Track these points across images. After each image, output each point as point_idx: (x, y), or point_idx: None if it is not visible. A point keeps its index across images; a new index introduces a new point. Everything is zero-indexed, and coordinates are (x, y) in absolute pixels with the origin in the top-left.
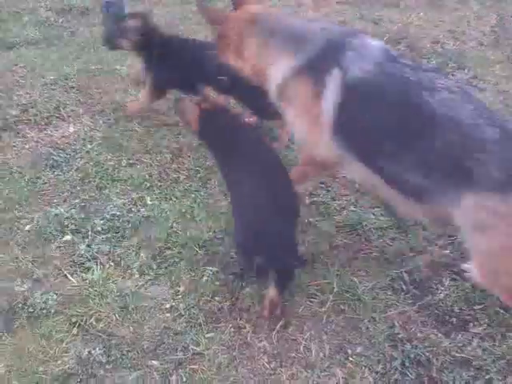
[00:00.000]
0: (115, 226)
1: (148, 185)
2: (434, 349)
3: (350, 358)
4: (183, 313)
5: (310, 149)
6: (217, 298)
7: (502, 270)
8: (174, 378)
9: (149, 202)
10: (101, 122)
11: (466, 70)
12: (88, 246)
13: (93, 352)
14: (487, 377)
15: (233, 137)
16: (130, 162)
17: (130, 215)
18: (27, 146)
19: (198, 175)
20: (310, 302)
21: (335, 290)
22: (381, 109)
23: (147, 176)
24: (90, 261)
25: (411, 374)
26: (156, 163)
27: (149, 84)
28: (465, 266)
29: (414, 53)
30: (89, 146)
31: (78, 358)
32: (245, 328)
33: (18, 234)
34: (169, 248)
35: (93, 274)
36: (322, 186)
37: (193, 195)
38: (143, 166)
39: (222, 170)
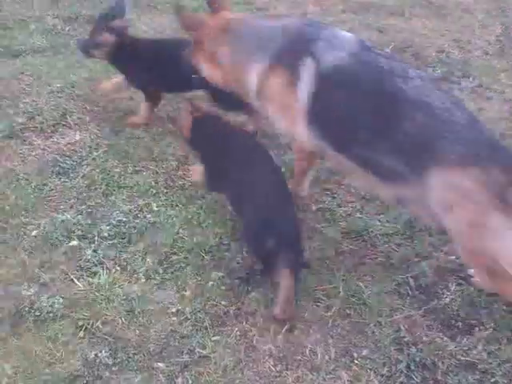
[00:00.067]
0: (121, 231)
1: (154, 191)
2: (440, 352)
3: (356, 361)
4: (189, 316)
5: (295, 140)
6: (223, 302)
7: (472, 247)
8: (179, 380)
9: (155, 208)
10: (107, 129)
11: (471, 79)
12: (94, 251)
13: (99, 354)
14: (492, 380)
15: (224, 144)
16: (136, 168)
17: (136, 221)
18: (34, 154)
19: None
20: (316, 306)
21: (341, 294)
22: (355, 96)
23: (153, 183)
24: (96, 265)
25: (416, 377)
26: (162, 170)
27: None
28: (470, 270)
29: (419, 61)
30: (95, 153)
31: (85, 360)
32: (250, 331)
33: (25, 240)
34: (175, 253)
35: (99, 279)
36: (328, 192)
37: (199, 201)
38: (149, 173)
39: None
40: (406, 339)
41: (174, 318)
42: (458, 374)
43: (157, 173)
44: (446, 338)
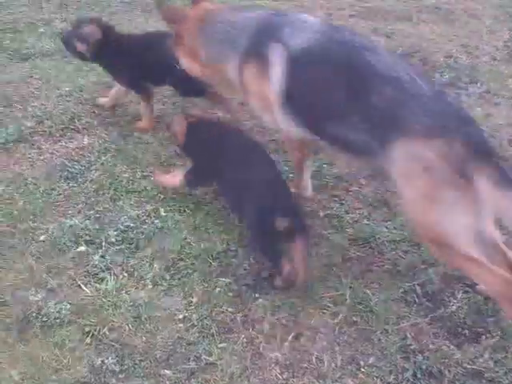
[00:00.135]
0: (129, 237)
1: (162, 197)
2: (446, 360)
3: (362, 369)
4: (196, 323)
5: (281, 131)
6: (229, 309)
7: (424, 220)
8: None
9: (163, 214)
10: (115, 133)
11: (479, 85)
12: (102, 256)
13: (106, 361)
14: None
15: (219, 147)
16: (144, 174)
17: (143, 227)
18: (42, 158)
19: (212, 188)
20: (323, 313)
21: (348, 301)
22: (325, 74)
23: (161, 188)
24: (103, 271)
25: None
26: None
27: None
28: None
29: (426, 67)
30: (103, 158)
31: (91, 366)
32: (257, 338)
33: (33, 245)
34: (182, 259)
35: (106, 285)
36: (336, 199)
37: (206, 207)
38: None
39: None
40: (412, 347)
41: (181, 325)
42: (464, 382)
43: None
44: (452, 346)
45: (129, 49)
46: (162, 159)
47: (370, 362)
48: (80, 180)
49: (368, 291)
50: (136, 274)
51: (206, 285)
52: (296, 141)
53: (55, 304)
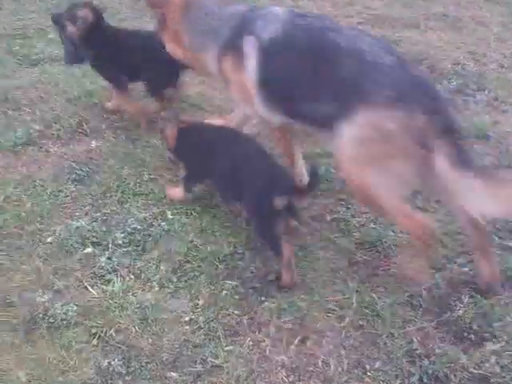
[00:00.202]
0: (136, 239)
1: (169, 200)
2: (452, 365)
3: (368, 373)
4: (202, 326)
5: (256, 118)
6: (236, 312)
7: (363, 182)
8: None
9: (170, 217)
10: (123, 137)
11: (486, 92)
12: (109, 258)
13: (112, 363)
14: None
15: (210, 149)
16: (152, 176)
17: (150, 229)
18: (50, 160)
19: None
20: (329, 316)
21: (354, 305)
22: (293, 58)
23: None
24: (110, 273)
25: None
26: (177, 178)
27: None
28: None
29: (434, 74)
30: (111, 161)
31: (98, 368)
32: (263, 342)
33: (40, 246)
34: (189, 262)
35: (113, 286)
36: (343, 203)
37: (213, 210)
38: (164, 181)
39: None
40: (418, 351)
41: (187, 327)
42: None
43: (172, 181)
44: (458, 351)
45: (115, 40)
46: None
47: (376, 366)
48: (87, 182)
49: (374, 295)
50: (143, 276)
51: (213, 287)
52: (277, 127)
53: (62, 305)
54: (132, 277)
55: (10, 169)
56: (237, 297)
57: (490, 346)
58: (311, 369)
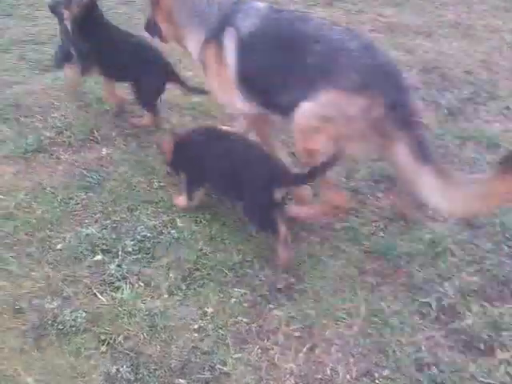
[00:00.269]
0: (146, 246)
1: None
2: (461, 374)
3: (377, 381)
4: (211, 333)
5: (232, 109)
6: (245, 320)
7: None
8: None
9: (179, 224)
10: (134, 144)
11: (498, 101)
12: (118, 265)
13: (121, 370)
14: None
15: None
16: (162, 184)
17: (160, 237)
18: (61, 168)
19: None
20: (337, 324)
21: (363, 313)
22: (268, 47)
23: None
24: (119, 280)
25: None
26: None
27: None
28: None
29: (446, 82)
30: (121, 169)
31: (106, 375)
32: (272, 349)
33: (50, 253)
34: (198, 269)
35: (122, 294)
36: (352, 212)
37: (223, 218)
38: (174, 189)
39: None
40: (427, 360)
41: (196, 335)
42: None
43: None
44: (467, 360)
45: (109, 35)
46: None
47: (385, 374)
48: (98, 190)
49: (383, 303)
50: (152, 283)
51: (222, 295)
52: (254, 118)
53: (71, 312)
54: (141, 284)
55: (21, 175)
56: (246, 304)
57: (499, 355)
58: (320, 377)
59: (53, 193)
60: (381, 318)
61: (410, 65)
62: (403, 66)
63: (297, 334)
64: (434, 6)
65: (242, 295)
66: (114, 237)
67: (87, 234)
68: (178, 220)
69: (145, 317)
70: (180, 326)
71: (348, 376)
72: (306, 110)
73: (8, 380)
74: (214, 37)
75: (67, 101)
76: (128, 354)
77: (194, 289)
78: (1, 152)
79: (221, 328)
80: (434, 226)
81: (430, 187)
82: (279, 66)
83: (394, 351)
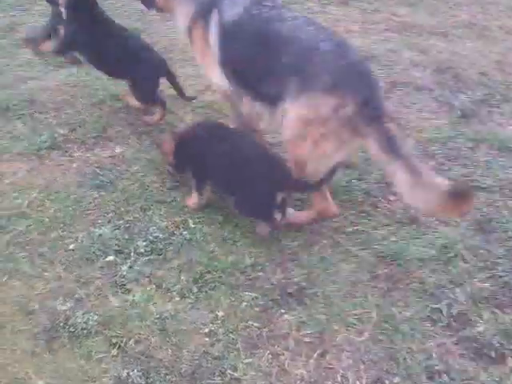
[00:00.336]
0: (158, 247)
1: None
2: (472, 382)
3: None
4: (222, 338)
5: (212, 82)
6: (255, 324)
7: (303, 157)
8: None
9: (191, 226)
10: (147, 143)
11: None
12: (130, 267)
13: (131, 373)
14: None
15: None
16: (175, 184)
17: (172, 238)
18: (74, 166)
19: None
20: (348, 330)
21: (374, 319)
22: (246, 41)
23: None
24: (131, 282)
25: None
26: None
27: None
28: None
29: (460, 83)
30: (134, 168)
31: (117, 378)
32: (283, 355)
33: (62, 253)
34: (209, 272)
35: (134, 296)
36: (364, 215)
37: (235, 220)
38: (187, 190)
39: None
40: (437, 367)
41: (207, 339)
42: None
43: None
44: (478, 367)
45: (102, 26)
46: None
47: (395, 381)
48: (111, 189)
49: (394, 309)
50: (163, 285)
51: (233, 298)
52: (231, 95)
53: (83, 314)
54: (153, 286)
55: (35, 173)
56: (257, 309)
57: (510, 363)
58: (330, 383)
59: (66, 192)
60: (392, 325)
61: (424, 65)
62: (417, 66)
63: (307, 339)
64: (448, 7)
65: (253, 299)
66: (126, 237)
67: (100, 234)
68: (190, 221)
69: (156, 320)
70: (191, 330)
71: (358, 383)
72: (290, 117)
73: (19, 383)
74: (201, 16)
75: (81, 97)
76: (139, 358)
77: (206, 292)
78: (15, 149)
79: (231, 332)
80: (446, 230)
81: (399, 181)
82: (256, 60)
83: (404, 358)
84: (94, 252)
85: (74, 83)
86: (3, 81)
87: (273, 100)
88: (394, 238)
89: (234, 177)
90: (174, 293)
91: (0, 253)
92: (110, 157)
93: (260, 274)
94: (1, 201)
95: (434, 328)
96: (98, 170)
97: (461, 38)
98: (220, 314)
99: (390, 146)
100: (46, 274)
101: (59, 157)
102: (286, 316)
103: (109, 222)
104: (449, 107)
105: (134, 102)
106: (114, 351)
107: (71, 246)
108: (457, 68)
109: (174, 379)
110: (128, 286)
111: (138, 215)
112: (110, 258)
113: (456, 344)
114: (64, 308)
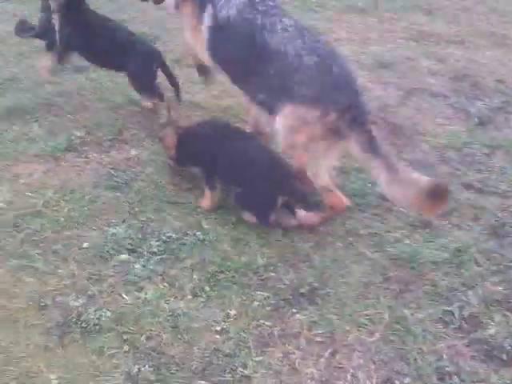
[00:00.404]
0: (171, 247)
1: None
2: None
3: None
4: (233, 336)
5: (194, 52)
6: (267, 323)
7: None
8: None
9: (205, 226)
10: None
11: None
12: (143, 265)
13: (142, 369)
14: None
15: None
16: (188, 186)
17: (185, 238)
18: (89, 167)
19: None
20: (359, 331)
21: (386, 320)
22: (236, 45)
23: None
24: (144, 280)
25: None
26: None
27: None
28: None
29: (477, 91)
30: (149, 169)
31: (128, 374)
32: (293, 354)
33: (76, 251)
34: (222, 272)
35: (146, 294)
36: (378, 218)
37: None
38: (201, 191)
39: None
40: (448, 369)
41: (218, 337)
42: None
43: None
44: (489, 370)
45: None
46: None
47: (406, 382)
48: (125, 190)
49: (406, 311)
50: (176, 284)
51: (245, 298)
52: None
53: (95, 310)
54: (165, 284)
55: (51, 174)
56: (268, 308)
57: None
58: (340, 382)
59: (81, 192)
60: (403, 326)
61: (442, 73)
62: (434, 74)
63: (318, 338)
64: (466, 15)
65: (265, 298)
66: (139, 237)
67: (113, 233)
68: (203, 222)
69: (168, 317)
70: (202, 328)
71: (368, 382)
72: (282, 127)
73: (31, 377)
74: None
75: (98, 101)
76: (150, 354)
77: (218, 291)
78: (31, 150)
79: (243, 330)
80: (459, 234)
81: (379, 178)
82: (245, 63)
83: (415, 359)
84: (107, 250)
85: (91, 87)
86: (22, 85)
87: (264, 105)
88: (407, 241)
89: (239, 176)
90: (187, 291)
91: (15, 250)
92: (125, 159)
93: (272, 274)
94: (16, 200)
95: (445, 330)
96: (112, 172)
97: (479, 46)
98: (232, 312)
99: (370, 146)
100: (59, 270)
101: (75, 158)
102: (297, 315)
103: (123, 221)
104: (466, 114)
105: (145, 103)
106: (126, 347)
107: (85, 245)
108: (474, 76)
109: (184, 375)
110: (141, 284)
111: (151, 216)
112: (124, 256)
113: (467, 346)
114: (77, 304)
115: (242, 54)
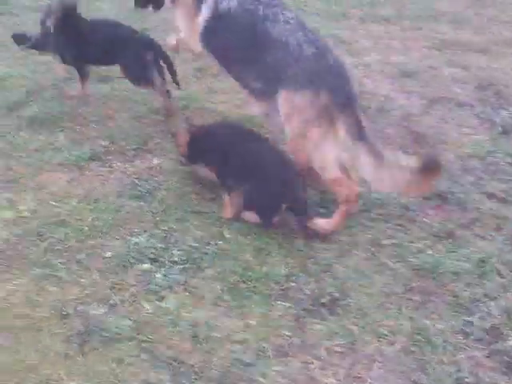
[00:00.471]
0: (192, 257)
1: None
2: None
3: None
4: (253, 345)
5: (187, 42)
6: (287, 333)
7: (297, 148)
8: None
9: (227, 236)
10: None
11: None
12: (164, 275)
13: (161, 377)
14: None
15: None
16: (211, 196)
17: (207, 247)
18: (113, 176)
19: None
20: (380, 341)
21: (406, 331)
22: (236, 34)
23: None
24: (165, 289)
25: None
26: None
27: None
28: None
29: (502, 100)
30: (172, 179)
31: (146, 382)
32: (312, 364)
33: (99, 260)
34: (243, 282)
35: (167, 303)
36: (401, 228)
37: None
38: (223, 201)
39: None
40: (468, 380)
41: (238, 346)
42: None
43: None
44: (509, 381)
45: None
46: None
47: None
48: (148, 199)
49: (427, 321)
50: (197, 293)
51: (266, 308)
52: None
53: (116, 319)
54: (186, 294)
55: (75, 183)
56: (289, 318)
57: None
58: None
59: (105, 201)
60: (424, 336)
61: (465, 81)
62: (458, 83)
63: (338, 349)
64: (491, 24)
65: (285, 308)
66: (162, 246)
67: (136, 243)
68: (225, 231)
69: (188, 327)
70: (222, 337)
71: None
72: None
73: None
74: None
75: (123, 111)
76: (170, 363)
77: (239, 300)
78: (56, 159)
79: (263, 340)
80: (481, 244)
81: (363, 164)
82: (244, 52)
83: (434, 369)
84: (129, 260)
85: (116, 97)
86: (47, 95)
87: (259, 93)
88: (429, 252)
89: (247, 176)
90: (207, 301)
91: (38, 259)
92: (148, 168)
93: (293, 284)
94: (40, 209)
95: (465, 341)
96: (136, 181)
97: (504, 55)
98: (252, 322)
99: (357, 129)
100: (81, 280)
101: (99, 167)
102: (317, 326)
103: (145, 231)
104: (490, 123)
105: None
106: (145, 356)
107: (108, 254)
108: (498, 85)
109: None
110: (162, 294)
111: (174, 225)
112: (146, 265)
113: (487, 357)
114: (98, 313)
115: (242, 43)
